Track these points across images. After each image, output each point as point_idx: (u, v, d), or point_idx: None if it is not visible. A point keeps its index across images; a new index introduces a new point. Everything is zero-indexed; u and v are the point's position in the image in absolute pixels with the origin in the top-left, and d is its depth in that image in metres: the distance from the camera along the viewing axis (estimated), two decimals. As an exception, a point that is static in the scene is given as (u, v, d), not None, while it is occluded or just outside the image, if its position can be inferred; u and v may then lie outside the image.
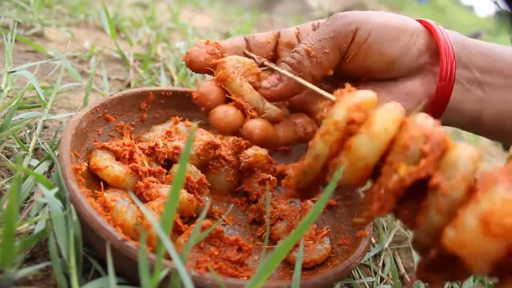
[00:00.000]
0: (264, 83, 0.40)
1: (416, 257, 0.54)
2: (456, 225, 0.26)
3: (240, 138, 0.54)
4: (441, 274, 0.30)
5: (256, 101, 0.40)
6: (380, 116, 0.30)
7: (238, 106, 0.40)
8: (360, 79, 0.45)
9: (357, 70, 0.43)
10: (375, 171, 0.31)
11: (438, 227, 0.28)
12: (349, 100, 0.31)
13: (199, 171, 0.50)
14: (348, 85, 0.34)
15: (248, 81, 0.41)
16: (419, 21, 0.45)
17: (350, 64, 0.42)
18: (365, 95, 0.32)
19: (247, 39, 0.44)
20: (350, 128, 0.31)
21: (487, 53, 0.44)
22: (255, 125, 0.39)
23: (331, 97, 0.35)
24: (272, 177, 0.52)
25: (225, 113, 0.39)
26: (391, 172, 0.29)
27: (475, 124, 0.45)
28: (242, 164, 0.53)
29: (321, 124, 0.33)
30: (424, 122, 0.29)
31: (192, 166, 0.49)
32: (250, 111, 0.40)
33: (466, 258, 0.25)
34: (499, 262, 0.25)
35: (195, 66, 0.42)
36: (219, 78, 0.40)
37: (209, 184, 0.49)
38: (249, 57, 0.41)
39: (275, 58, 0.45)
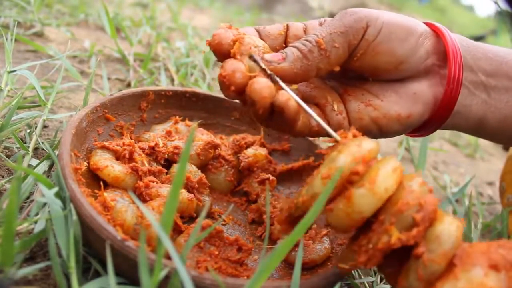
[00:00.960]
0: (267, 56, 0.38)
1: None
2: None
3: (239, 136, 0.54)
4: None
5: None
6: (383, 175, 0.31)
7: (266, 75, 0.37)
8: (367, 79, 0.44)
9: (365, 69, 0.43)
10: (364, 224, 0.33)
11: None
12: (356, 150, 0.32)
13: (199, 171, 0.50)
14: (353, 129, 0.35)
15: None
16: (426, 23, 0.45)
17: (358, 62, 0.41)
18: (371, 146, 0.33)
19: (259, 30, 0.43)
20: (351, 178, 0.32)
21: (491, 56, 0.44)
22: (288, 96, 0.37)
23: (336, 136, 0.35)
24: (271, 177, 0.52)
25: (266, 83, 0.36)
26: (382, 232, 0.31)
27: (479, 128, 0.45)
28: (241, 164, 0.53)
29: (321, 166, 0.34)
30: (420, 189, 0.31)
31: (192, 166, 0.49)
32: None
33: None
34: None
35: (223, 49, 0.39)
36: (237, 51, 0.38)
37: (209, 184, 0.49)
38: (257, 62, 0.38)
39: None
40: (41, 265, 0.33)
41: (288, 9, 3.36)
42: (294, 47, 0.39)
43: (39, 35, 0.87)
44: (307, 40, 0.39)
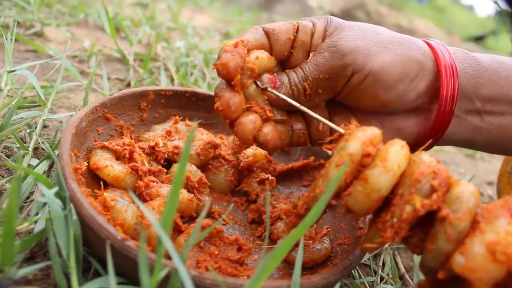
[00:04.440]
0: (265, 77, 0.40)
1: (416, 257, 0.55)
2: (465, 252, 0.30)
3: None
4: None
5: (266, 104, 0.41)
6: (393, 152, 0.33)
7: (259, 111, 0.40)
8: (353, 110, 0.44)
9: (349, 103, 0.43)
10: (383, 203, 0.34)
11: (446, 253, 0.32)
12: (363, 135, 0.34)
13: (199, 171, 0.50)
14: (354, 121, 0.37)
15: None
16: (430, 47, 0.42)
17: (342, 99, 0.42)
18: (375, 131, 0.35)
19: (268, 33, 0.41)
20: (363, 161, 0.34)
21: (494, 79, 0.42)
22: (270, 134, 0.40)
23: (340, 130, 0.37)
24: (271, 177, 0.52)
25: (249, 124, 0.39)
26: (404, 203, 0.32)
27: (467, 146, 0.46)
28: (241, 164, 0.53)
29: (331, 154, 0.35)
30: (430, 160, 0.33)
31: (192, 165, 0.49)
32: (269, 112, 0.40)
33: (474, 281, 0.30)
34: (497, 283, 0.30)
35: (231, 77, 0.38)
36: (236, 83, 0.39)
37: (209, 184, 0.49)
38: (256, 84, 0.41)
39: (289, 54, 0.43)
40: (41, 265, 0.33)
41: (287, 9, 3.36)
42: (288, 84, 0.41)
43: (39, 35, 0.87)
44: (297, 77, 0.41)
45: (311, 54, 0.42)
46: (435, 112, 0.42)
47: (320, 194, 0.35)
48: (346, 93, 0.41)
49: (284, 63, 0.44)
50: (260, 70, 0.40)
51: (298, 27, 0.42)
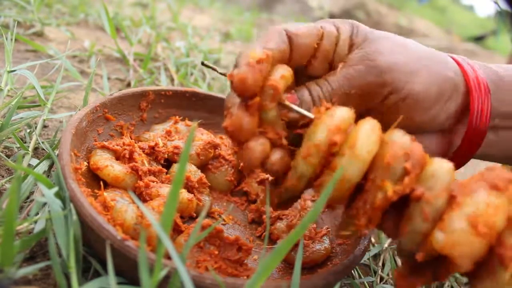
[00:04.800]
0: (285, 96, 0.35)
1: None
2: (445, 228, 0.28)
3: None
4: (422, 277, 0.32)
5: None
6: (362, 137, 0.31)
7: (272, 138, 0.35)
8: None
9: (376, 118, 0.35)
10: (357, 189, 0.32)
11: (424, 233, 0.30)
12: (329, 122, 0.32)
13: (199, 171, 0.50)
14: (325, 102, 0.34)
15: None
16: (457, 63, 0.40)
17: (372, 112, 0.37)
18: (344, 114, 0.32)
19: (290, 37, 0.36)
20: (331, 149, 0.32)
21: None
22: (277, 164, 0.35)
23: (310, 115, 0.34)
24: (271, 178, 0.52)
25: (263, 152, 0.34)
26: (376, 189, 0.31)
27: (480, 159, 0.44)
28: (241, 164, 0.53)
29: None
30: (403, 139, 0.31)
31: (192, 165, 0.49)
32: (284, 140, 0.35)
33: (457, 258, 0.28)
34: (478, 260, 0.28)
35: (248, 93, 0.33)
36: (254, 104, 0.33)
37: (209, 184, 0.49)
38: (209, 67, 0.39)
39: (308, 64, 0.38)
40: (41, 264, 0.33)
41: (288, 9, 3.36)
42: (311, 97, 0.36)
43: (39, 34, 0.87)
44: (322, 91, 0.36)
45: (339, 65, 0.37)
46: (459, 133, 0.40)
47: (291, 186, 0.33)
48: (378, 109, 0.37)
49: (299, 72, 0.38)
50: (283, 90, 0.35)
51: (322, 34, 0.37)
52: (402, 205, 0.31)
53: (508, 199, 0.28)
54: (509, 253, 0.28)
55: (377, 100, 0.37)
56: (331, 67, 0.39)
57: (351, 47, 0.38)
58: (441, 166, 0.30)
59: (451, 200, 0.29)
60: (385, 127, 0.36)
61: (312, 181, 0.33)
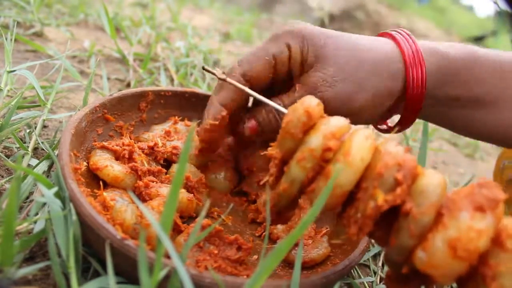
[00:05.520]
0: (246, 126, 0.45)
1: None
2: (426, 248, 0.29)
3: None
4: (410, 284, 0.33)
5: None
6: (356, 145, 0.31)
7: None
8: None
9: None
10: (349, 197, 0.33)
11: (409, 248, 0.31)
12: (325, 128, 0.33)
13: (199, 171, 0.50)
14: (298, 86, 0.37)
15: None
16: (395, 41, 0.45)
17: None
18: (339, 122, 0.33)
19: (249, 81, 0.44)
20: (325, 155, 0.32)
21: (464, 78, 0.44)
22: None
23: (284, 110, 0.36)
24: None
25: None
26: (367, 198, 0.31)
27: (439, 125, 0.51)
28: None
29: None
30: (396, 149, 0.31)
31: (192, 166, 0.49)
32: None
33: (437, 277, 0.29)
34: (461, 276, 0.29)
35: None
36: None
37: (209, 184, 0.49)
38: (210, 72, 0.42)
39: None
40: (41, 265, 0.33)
41: (288, 9, 3.36)
42: (268, 118, 0.45)
43: (39, 35, 0.87)
44: (272, 116, 0.44)
45: (296, 87, 0.44)
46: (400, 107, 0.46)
47: (283, 191, 0.34)
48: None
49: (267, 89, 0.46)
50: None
51: (275, 61, 0.44)
52: (393, 216, 0.32)
53: (495, 219, 0.28)
54: (491, 272, 0.28)
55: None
56: (291, 76, 0.45)
57: (303, 63, 0.44)
58: (432, 181, 0.30)
59: (439, 218, 0.30)
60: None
61: (304, 187, 0.34)
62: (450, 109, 0.46)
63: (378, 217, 0.31)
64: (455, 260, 0.28)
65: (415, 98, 0.44)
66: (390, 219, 0.32)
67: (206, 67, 0.41)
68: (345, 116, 0.36)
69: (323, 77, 0.42)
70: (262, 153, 0.38)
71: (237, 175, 0.54)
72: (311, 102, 0.34)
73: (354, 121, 0.43)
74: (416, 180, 0.31)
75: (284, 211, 0.37)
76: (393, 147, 0.32)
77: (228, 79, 0.41)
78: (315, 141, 0.32)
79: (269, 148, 0.36)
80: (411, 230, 0.30)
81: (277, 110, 0.39)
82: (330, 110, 0.39)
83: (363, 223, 0.31)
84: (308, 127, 0.34)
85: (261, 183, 0.45)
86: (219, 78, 0.41)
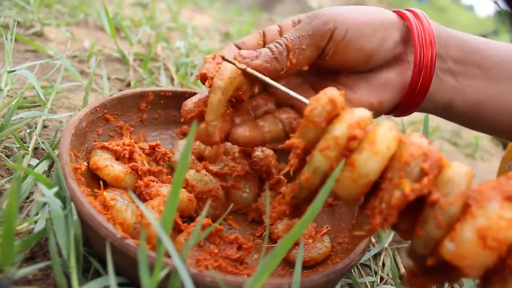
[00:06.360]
0: (243, 52, 0.42)
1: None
2: (455, 238, 0.28)
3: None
4: (434, 278, 0.32)
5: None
6: (382, 134, 0.31)
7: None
8: (340, 72, 0.47)
9: (337, 65, 0.45)
10: (372, 188, 0.32)
11: (436, 239, 0.30)
12: (350, 117, 0.32)
13: (212, 179, 0.49)
14: (325, 89, 0.35)
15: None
16: (396, 12, 0.47)
17: (330, 61, 0.44)
18: (364, 113, 0.33)
19: (238, 46, 0.45)
20: (350, 145, 0.32)
21: (462, 44, 0.45)
22: (241, 131, 0.43)
23: (305, 100, 0.36)
24: (282, 178, 0.52)
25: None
26: (393, 188, 0.30)
27: (447, 111, 0.48)
28: (257, 167, 0.52)
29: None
30: (421, 140, 0.31)
31: (208, 175, 0.49)
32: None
33: (464, 268, 0.28)
34: (489, 269, 0.28)
35: (207, 80, 0.43)
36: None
37: (234, 199, 0.50)
38: (230, 62, 0.41)
39: None
40: (41, 265, 0.33)
41: (287, 9, 3.36)
42: (268, 47, 0.42)
43: (39, 35, 0.87)
44: (278, 43, 0.42)
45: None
46: (410, 63, 0.45)
47: (306, 181, 0.33)
48: (332, 51, 0.43)
49: None
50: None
51: (263, 32, 0.46)
52: (418, 208, 0.31)
53: None
54: None
55: (326, 38, 0.42)
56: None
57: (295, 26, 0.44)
58: (459, 171, 0.30)
59: (466, 208, 0.29)
60: (344, 73, 0.46)
61: (326, 177, 0.33)
62: (460, 79, 0.46)
63: (403, 209, 0.31)
64: (485, 250, 0.27)
65: (419, 31, 0.45)
66: (414, 211, 0.32)
67: (225, 57, 0.41)
68: (355, 32, 0.41)
69: (313, 11, 0.44)
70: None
71: (259, 185, 0.52)
72: (335, 92, 0.34)
73: (368, 41, 0.43)
74: (442, 171, 0.31)
75: (302, 204, 0.36)
76: (418, 138, 0.31)
77: (249, 69, 0.41)
78: (340, 129, 0.32)
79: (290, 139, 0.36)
80: (438, 220, 0.29)
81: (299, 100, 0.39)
82: (331, 20, 0.41)
83: (388, 214, 0.31)
84: (332, 116, 0.33)
85: (281, 173, 0.45)
86: (239, 68, 0.41)
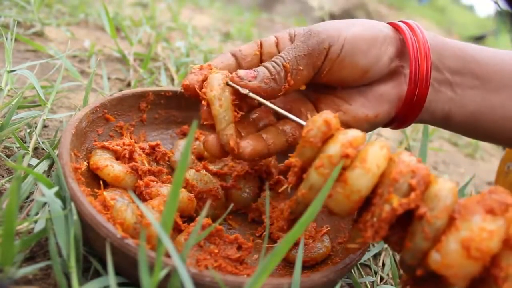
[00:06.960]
0: (241, 72, 0.42)
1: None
2: (440, 249, 0.30)
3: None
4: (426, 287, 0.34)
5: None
6: (373, 153, 0.33)
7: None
8: (336, 88, 0.46)
9: (333, 81, 0.45)
10: (364, 203, 0.34)
11: (424, 250, 0.32)
12: (343, 138, 0.35)
13: (214, 180, 0.49)
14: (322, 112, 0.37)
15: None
16: (391, 24, 0.47)
17: (326, 77, 0.44)
18: (356, 133, 0.35)
19: (235, 54, 0.45)
20: (344, 163, 0.34)
21: (459, 54, 0.45)
22: (246, 145, 0.42)
23: (302, 122, 0.38)
24: (282, 177, 0.52)
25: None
26: (383, 203, 0.33)
27: (446, 122, 0.47)
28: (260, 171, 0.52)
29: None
30: (409, 159, 0.34)
31: (208, 175, 0.49)
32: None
33: (450, 277, 0.30)
34: (474, 277, 0.30)
35: (190, 92, 0.43)
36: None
37: (234, 199, 0.50)
38: (233, 87, 0.42)
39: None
40: (41, 264, 0.33)
41: (288, 9, 3.36)
42: (265, 67, 0.42)
43: (39, 34, 0.87)
44: (275, 63, 0.42)
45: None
46: (406, 76, 0.45)
47: (302, 196, 0.35)
48: (328, 68, 0.43)
49: None
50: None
51: (261, 42, 0.46)
52: (407, 222, 0.33)
53: (506, 222, 0.30)
54: (503, 274, 0.29)
55: (321, 56, 0.42)
56: None
57: (292, 42, 0.45)
58: (444, 187, 0.32)
59: (451, 221, 0.31)
60: (340, 88, 0.46)
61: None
62: (457, 90, 0.46)
63: (393, 222, 0.33)
64: (468, 260, 0.29)
65: (414, 44, 0.44)
66: (404, 226, 0.34)
67: (230, 82, 0.41)
68: (350, 49, 0.42)
69: (308, 28, 0.44)
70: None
71: (258, 185, 0.52)
72: (329, 114, 0.36)
73: (363, 57, 0.43)
74: (429, 187, 0.33)
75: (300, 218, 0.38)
76: (407, 156, 0.34)
77: (251, 94, 0.41)
78: (334, 148, 0.34)
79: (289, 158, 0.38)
80: (425, 233, 0.31)
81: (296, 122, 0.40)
82: (327, 39, 0.42)
83: (379, 227, 0.33)
84: (327, 137, 0.36)
85: (280, 190, 0.46)
86: (241, 93, 0.41)
